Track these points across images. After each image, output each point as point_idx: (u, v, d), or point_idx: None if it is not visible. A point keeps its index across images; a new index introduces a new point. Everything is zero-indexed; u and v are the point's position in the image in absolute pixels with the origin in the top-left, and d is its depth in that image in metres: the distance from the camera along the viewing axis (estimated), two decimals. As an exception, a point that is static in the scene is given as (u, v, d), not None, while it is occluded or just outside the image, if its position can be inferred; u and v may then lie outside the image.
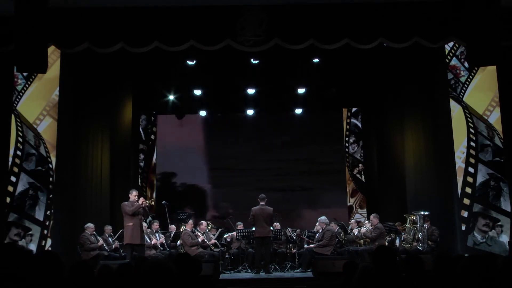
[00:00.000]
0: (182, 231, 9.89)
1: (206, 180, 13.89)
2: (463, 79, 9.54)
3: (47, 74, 8.98)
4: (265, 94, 12.57)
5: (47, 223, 9.19)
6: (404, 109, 10.64)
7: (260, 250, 9.30)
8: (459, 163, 9.31)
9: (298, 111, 13.37)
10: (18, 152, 9.37)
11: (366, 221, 10.53)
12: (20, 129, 9.43)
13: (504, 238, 8.93)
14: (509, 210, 9.00)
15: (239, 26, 8.21)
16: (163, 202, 10.92)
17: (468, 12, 7.49)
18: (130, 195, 8.70)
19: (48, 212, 9.22)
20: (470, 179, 9.24)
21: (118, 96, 11.25)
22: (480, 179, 9.20)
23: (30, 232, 9.11)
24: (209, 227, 10.73)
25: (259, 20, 8.19)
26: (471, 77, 9.50)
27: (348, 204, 13.76)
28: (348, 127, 14.08)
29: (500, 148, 9.21)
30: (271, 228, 9.68)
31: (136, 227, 8.43)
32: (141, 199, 8.69)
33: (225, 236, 10.55)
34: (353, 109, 14.07)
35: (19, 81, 9.53)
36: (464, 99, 9.46)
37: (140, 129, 13.65)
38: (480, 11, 7.29)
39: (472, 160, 9.27)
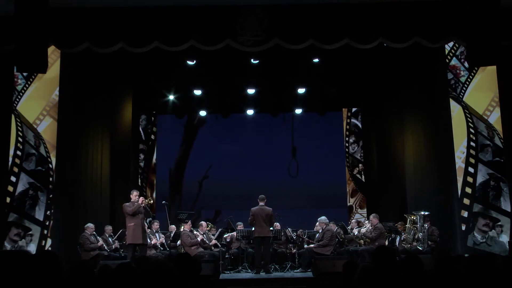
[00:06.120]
0: (181, 231, 9.90)
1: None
2: (463, 79, 9.54)
3: (47, 74, 8.99)
4: (265, 94, 12.57)
5: (47, 223, 9.20)
6: (404, 109, 10.64)
7: (259, 250, 9.30)
8: (459, 163, 9.31)
9: (298, 111, 13.38)
10: (18, 152, 9.37)
11: (366, 221, 10.53)
12: (20, 129, 9.43)
13: (504, 238, 8.93)
14: (509, 210, 9.00)
15: (239, 26, 8.20)
16: (163, 202, 10.92)
17: (468, 12, 7.49)
18: (131, 195, 8.72)
19: (48, 212, 9.23)
20: (470, 179, 9.24)
21: (118, 96, 11.26)
22: (480, 179, 9.20)
23: (30, 232, 9.11)
24: (208, 227, 10.73)
25: (259, 20, 8.18)
26: (471, 77, 9.50)
27: (348, 204, 13.77)
28: (348, 127, 14.09)
29: (500, 148, 9.21)
30: (271, 228, 9.69)
31: (138, 227, 8.44)
32: (141, 198, 8.70)
33: (225, 236, 10.55)
34: (353, 109, 14.08)
35: (19, 81, 9.54)
36: (464, 99, 9.46)
37: (140, 129, 13.66)
38: (480, 11, 7.29)
39: (472, 160, 9.28)
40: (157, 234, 10.02)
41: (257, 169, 13.67)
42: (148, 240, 9.42)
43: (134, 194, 8.69)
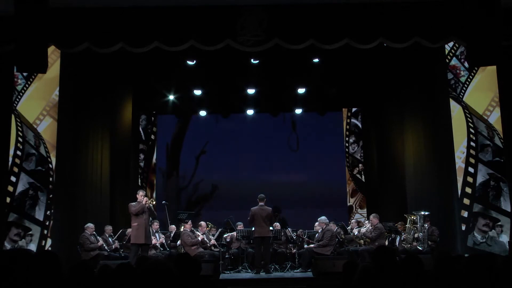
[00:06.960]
0: (181, 231, 9.89)
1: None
2: (463, 79, 9.54)
3: (47, 74, 8.98)
4: (265, 94, 12.57)
5: (47, 223, 9.20)
6: (404, 109, 10.64)
7: (259, 250, 9.30)
8: (459, 163, 9.31)
9: (298, 111, 13.38)
10: (18, 152, 9.37)
11: (366, 221, 10.53)
12: (20, 129, 9.43)
13: (504, 238, 8.93)
14: (509, 210, 9.00)
15: (239, 26, 8.20)
16: (163, 202, 10.92)
17: (468, 12, 7.49)
18: (137, 195, 8.68)
19: (48, 212, 9.23)
20: (470, 179, 9.24)
21: (118, 96, 11.26)
22: (480, 179, 9.20)
23: (30, 232, 9.11)
24: (208, 227, 10.73)
25: (259, 20, 8.17)
26: (471, 77, 9.50)
27: (348, 204, 13.77)
28: (348, 127, 14.09)
29: (500, 148, 9.21)
30: (271, 228, 9.68)
31: (141, 227, 8.41)
32: (145, 199, 8.67)
33: (225, 236, 10.55)
34: (353, 109, 14.09)
35: (19, 81, 9.54)
36: (464, 99, 9.46)
37: (140, 129, 13.66)
38: (480, 11, 7.29)
39: (472, 160, 9.28)
40: (157, 234, 10.01)
41: (256, 168, 13.69)
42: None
43: (140, 194, 8.66)
